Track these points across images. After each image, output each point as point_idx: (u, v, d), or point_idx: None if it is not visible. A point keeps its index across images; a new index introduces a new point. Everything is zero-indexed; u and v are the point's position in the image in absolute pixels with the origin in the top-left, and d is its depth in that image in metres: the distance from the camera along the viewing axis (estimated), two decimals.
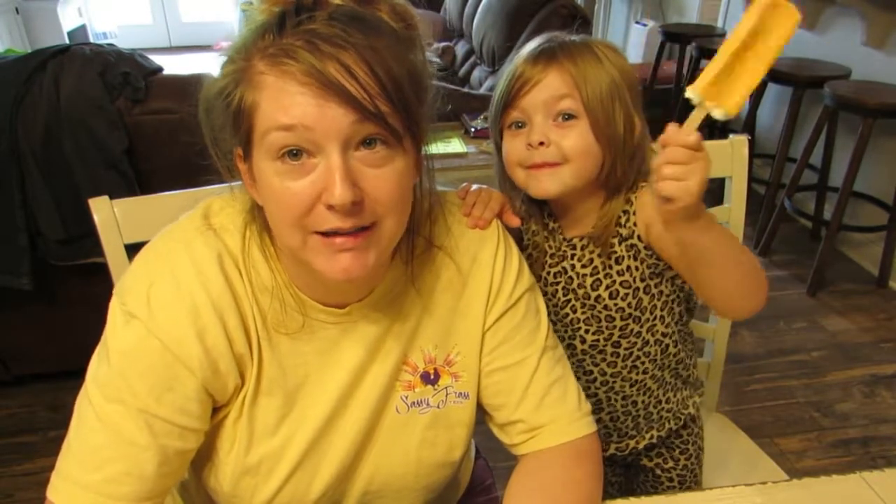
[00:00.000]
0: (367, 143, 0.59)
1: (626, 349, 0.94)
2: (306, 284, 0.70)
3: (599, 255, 0.90)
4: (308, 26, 0.57)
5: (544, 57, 0.84)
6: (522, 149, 0.85)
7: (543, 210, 0.95)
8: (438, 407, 0.78)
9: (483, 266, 0.77)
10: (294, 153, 0.59)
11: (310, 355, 0.71)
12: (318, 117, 0.57)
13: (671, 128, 0.66)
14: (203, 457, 0.73)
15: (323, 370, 0.72)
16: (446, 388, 0.78)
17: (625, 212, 0.88)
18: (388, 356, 0.74)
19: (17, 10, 4.33)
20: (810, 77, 2.64)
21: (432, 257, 0.76)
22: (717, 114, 0.65)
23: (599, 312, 0.92)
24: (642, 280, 0.90)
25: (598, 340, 0.94)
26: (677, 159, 0.65)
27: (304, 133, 0.57)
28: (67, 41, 4.25)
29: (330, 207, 0.59)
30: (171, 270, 0.66)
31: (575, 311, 0.93)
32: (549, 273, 0.94)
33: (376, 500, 0.80)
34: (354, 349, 0.73)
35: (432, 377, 0.77)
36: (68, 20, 4.67)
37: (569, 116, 0.83)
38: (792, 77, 2.69)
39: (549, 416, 0.77)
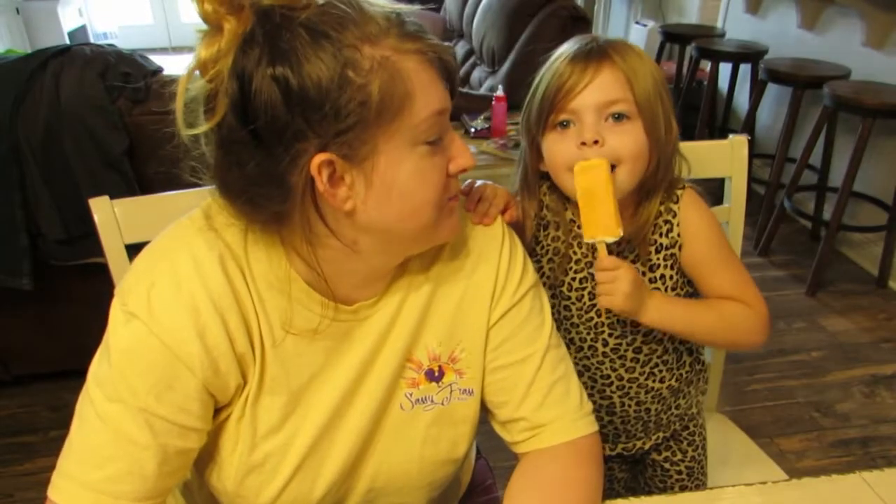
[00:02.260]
0: None
1: (646, 355, 0.94)
2: (316, 282, 0.69)
3: (634, 261, 0.90)
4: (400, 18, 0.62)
5: (595, 56, 0.82)
6: (572, 148, 0.82)
7: (566, 216, 0.93)
8: (443, 404, 0.78)
9: (488, 262, 0.77)
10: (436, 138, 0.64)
11: (316, 353, 0.72)
12: (448, 99, 0.65)
13: (596, 262, 0.84)
14: (206, 457, 0.73)
15: (328, 367, 0.72)
16: (451, 385, 0.78)
17: (667, 221, 0.88)
18: (393, 353, 0.74)
19: (17, 10, 4.34)
20: (810, 77, 2.64)
21: (437, 253, 0.76)
22: (610, 240, 0.82)
23: (626, 317, 0.91)
24: (673, 289, 0.91)
25: (620, 344, 0.94)
26: (602, 279, 0.83)
27: (445, 116, 0.65)
28: (68, 41, 4.25)
29: (458, 174, 0.68)
30: (172, 270, 0.66)
31: (600, 315, 0.92)
32: (573, 279, 0.93)
33: (380, 498, 0.80)
34: (360, 346, 0.73)
35: (437, 374, 0.77)
36: (68, 20, 4.67)
37: (620, 116, 0.81)
38: (792, 77, 2.69)
39: (551, 415, 0.77)
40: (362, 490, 0.78)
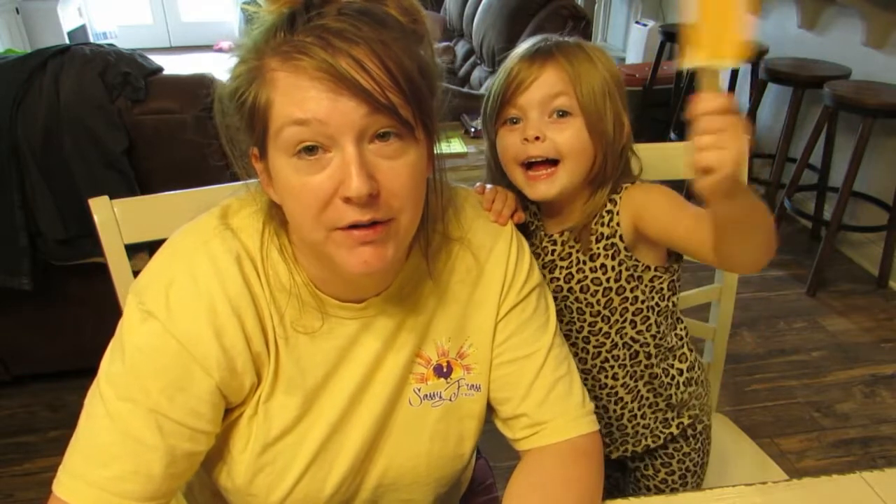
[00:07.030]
0: (381, 135, 0.60)
1: (594, 347, 0.95)
2: (324, 282, 0.70)
3: (578, 251, 0.92)
4: (318, 22, 0.58)
5: (541, 55, 0.85)
6: (518, 144, 0.86)
7: (528, 209, 0.95)
8: (450, 400, 0.78)
9: (498, 259, 0.79)
10: (310, 149, 0.59)
11: (330, 353, 0.72)
12: (332, 111, 0.57)
13: (695, 100, 0.59)
14: (215, 456, 0.73)
15: (342, 365, 0.73)
16: (458, 380, 0.78)
17: (608, 211, 0.89)
18: (403, 349, 0.75)
19: (17, 10, 4.33)
20: (810, 77, 2.64)
21: (449, 250, 0.77)
22: (729, 64, 0.58)
23: (571, 304, 0.94)
24: (616, 281, 0.91)
25: (570, 332, 0.95)
26: (711, 128, 0.59)
27: (318, 127, 0.58)
28: (67, 41, 4.25)
29: (347, 200, 0.59)
30: (190, 270, 0.66)
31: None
32: None
33: (389, 493, 0.80)
34: (371, 343, 0.73)
35: (445, 370, 0.78)
36: (68, 20, 4.67)
37: (563, 113, 0.85)
38: (792, 77, 2.69)
39: (553, 412, 0.78)
40: (372, 486, 0.79)
